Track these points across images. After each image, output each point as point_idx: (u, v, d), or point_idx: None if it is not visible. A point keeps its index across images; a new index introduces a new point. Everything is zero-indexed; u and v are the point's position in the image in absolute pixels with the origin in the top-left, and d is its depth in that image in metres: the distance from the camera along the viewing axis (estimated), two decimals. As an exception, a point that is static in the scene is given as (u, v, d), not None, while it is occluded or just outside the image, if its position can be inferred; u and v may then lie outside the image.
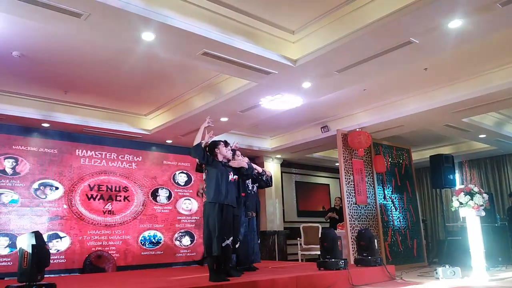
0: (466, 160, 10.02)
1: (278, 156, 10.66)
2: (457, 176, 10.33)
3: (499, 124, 8.78)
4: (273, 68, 5.31)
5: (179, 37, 4.46)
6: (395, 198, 8.92)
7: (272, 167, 10.70)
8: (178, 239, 8.79)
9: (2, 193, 6.99)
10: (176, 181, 9.05)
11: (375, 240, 6.47)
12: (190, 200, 9.14)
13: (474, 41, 4.95)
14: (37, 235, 3.63)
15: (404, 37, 4.59)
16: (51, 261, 3.97)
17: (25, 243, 3.56)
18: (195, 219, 9.10)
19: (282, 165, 11.05)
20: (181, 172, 9.16)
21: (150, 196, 8.62)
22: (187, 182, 9.19)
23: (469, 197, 6.12)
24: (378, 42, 4.68)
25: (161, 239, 8.53)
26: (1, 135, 7.13)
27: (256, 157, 10.55)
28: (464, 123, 8.07)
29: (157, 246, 8.40)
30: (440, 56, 5.53)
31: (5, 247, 6.86)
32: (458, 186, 6.85)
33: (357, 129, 8.04)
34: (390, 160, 9.12)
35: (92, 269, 7.37)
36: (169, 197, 8.85)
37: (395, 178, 9.08)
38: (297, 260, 9.60)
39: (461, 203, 6.20)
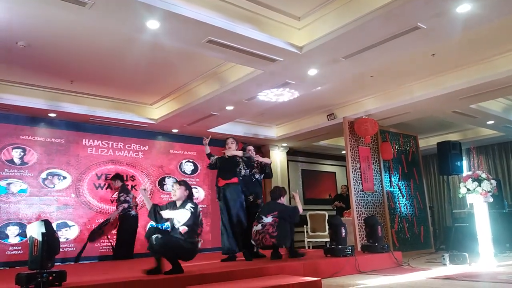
0: (474, 146, 9.96)
1: (284, 144, 10.65)
2: (465, 162, 10.28)
3: (507, 110, 8.69)
4: (279, 55, 5.27)
5: (184, 25, 4.43)
6: (402, 185, 8.90)
7: (278, 156, 10.71)
8: (186, 227, 8.83)
9: (11, 183, 7.06)
10: (183, 170, 9.09)
11: (379, 227, 6.48)
12: (197, 188, 9.17)
13: (482, 26, 4.87)
14: (47, 223, 3.66)
15: (411, 22, 4.53)
16: (61, 250, 4.01)
17: (35, 231, 3.59)
18: (202, 207, 9.14)
19: (288, 153, 11.05)
20: (187, 161, 9.19)
21: (157, 184, 8.67)
22: (193, 171, 9.23)
23: (477, 183, 6.10)
24: (385, 27, 4.63)
25: (168, 227, 8.53)
26: (9, 125, 7.18)
27: (262, 145, 10.55)
28: (472, 109, 8.00)
29: (165, 235, 8.46)
30: (448, 41, 5.46)
31: (15, 236, 6.95)
32: (466, 172, 6.80)
33: (364, 116, 8.00)
34: (397, 147, 9.08)
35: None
36: (176, 186, 8.88)
37: (402, 165, 9.05)
38: (304, 247, 9.64)
39: (468, 190, 6.18)
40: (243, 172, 6.06)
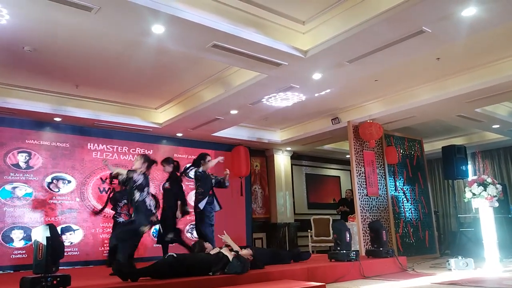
0: (479, 151, 9.91)
1: (288, 148, 10.64)
2: (470, 167, 10.23)
3: (513, 114, 8.65)
4: (283, 60, 5.28)
5: (188, 29, 4.45)
6: (406, 190, 8.86)
7: (282, 160, 10.69)
8: (190, 231, 8.84)
9: (16, 187, 7.08)
10: (187, 174, 9.07)
11: (383, 232, 6.45)
12: (201, 192, 9.16)
13: (488, 29, 4.86)
14: (51, 227, 3.67)
15: (416, 26, 4.53)
16: (65, 254, 4.02)
17: (40, 235, 3.60)
18: (206, 211, 9.13)
19: (292, 157, 11.03)
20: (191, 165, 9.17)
21: (161, 189, 8.66)
22: (197, 175, 9.21)
23: (482, 188, 6.07)
24: (390, 31, 4.62)
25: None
26: (14, 130, 7.21)
27: (266, 149, 10.54)
28: (477, 114, 7.97)
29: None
30: (453, 45, 5.45)
31: (20, 240, 6.97)
32: (471, 177, 6.77)
33: (368, 121, 7.99)
34: (401, 151, 9.05)
35: None
36: (180, 190, 8.88)
37: (406, 170, 9.02)
38: (308, 252, 9.60)
39: (474, 194, 6.15)
40: (137, 196, 5.25)
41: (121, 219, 6.74)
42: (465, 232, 8.54)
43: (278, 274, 4.85)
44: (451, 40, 5.06)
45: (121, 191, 6.99)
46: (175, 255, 4.46)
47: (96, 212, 7.35)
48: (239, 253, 4.87)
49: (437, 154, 10.21)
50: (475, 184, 6.12)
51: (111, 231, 7.01)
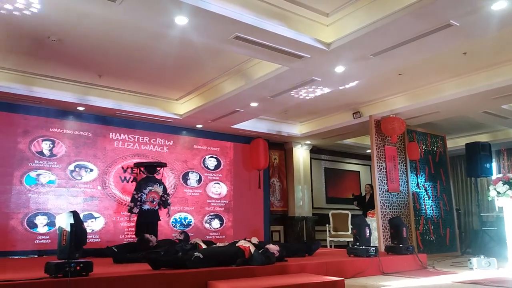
0: (505, 148, 9.67)
1: (308, 142, 10.58)
2: (494, 165, 10.00)
3: (541, 111, 8.39)
4: (306, 52, 5.22)
5: (211, 21, 4.44)
6: (428, 186, 8.73)
7: (301, 153, 10.65)
8: (208, 221, 8.92)
9: (40, 174, 7.25)
10: (206, 165, 9.14)
11: (404, 228, 6.38)
12: (219, 184, 9.23)
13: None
14: (75, 214, 3.74)
15: (443, 19, 4.42)
16: (87, 241, 4.09)
17: (64, 222, 3.67)
18: (224, 202, 9.20)
19: (311, 151, 10.97)
20: (210, 157, 9.24)
21: (181, 179, 8.75)
22: (216, 167, 9.27)
23: (508, 186, 5.95)
24: (416, 24, 4.52)
25: (191, 222, 8.68)
26: (39, 118, 7.37)
27: (285, 143, 10.50)
28: (504, 110, 7.78)
29: (188, 228, 8.55)
30: (480, 39, 5.29)
31: (44, 226, 7.14)
32: (495, 175, 6.62)
33: (391, 115, 7.86)
34: (424, 147, 8.91)
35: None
36: (199, 181, 8.97)
37: (428, 166, 8.88)
38: (326, 246, 9.58)
39: (498, 193, 6.03)
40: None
41: (146, 207, 6.93)
42: (488, 231, 8.38)
43: (297, 267, 4.85)
44: (480, 35, 4.91)
45: (145, 179, 7.20)
46: (201, 256, 4.43)
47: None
48: (266, 246, 5.01)
49: (460, 151, 10.00)
50: (500, 182, 6.00)
51: (135, 219, 7.16)
